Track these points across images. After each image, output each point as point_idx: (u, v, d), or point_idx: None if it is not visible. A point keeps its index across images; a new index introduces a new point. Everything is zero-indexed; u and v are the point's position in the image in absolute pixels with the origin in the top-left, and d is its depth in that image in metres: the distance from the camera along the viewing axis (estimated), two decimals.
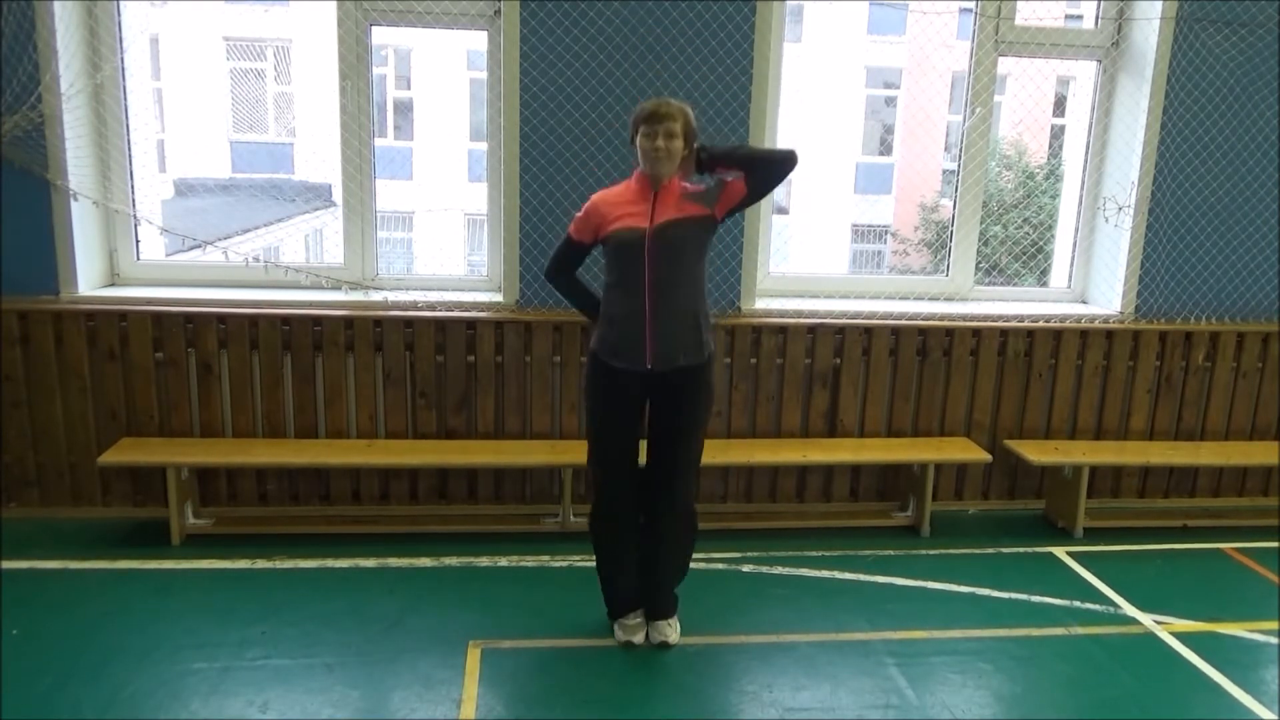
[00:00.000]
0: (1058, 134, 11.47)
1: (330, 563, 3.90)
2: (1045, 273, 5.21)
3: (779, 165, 3.19)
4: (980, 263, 4.80)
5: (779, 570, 3.98)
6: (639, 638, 3.36)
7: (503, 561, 3.96)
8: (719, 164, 3.15)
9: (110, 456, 3.98)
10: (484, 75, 4.37)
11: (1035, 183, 12.39)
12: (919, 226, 14.72)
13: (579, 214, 3.24)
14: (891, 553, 4.18)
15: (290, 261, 5.07)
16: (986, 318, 4.55)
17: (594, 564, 3.42)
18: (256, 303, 4.19)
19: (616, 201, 3.16)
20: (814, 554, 4.12)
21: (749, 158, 3.21)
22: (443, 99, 13.08)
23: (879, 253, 16.19)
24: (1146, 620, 3.66)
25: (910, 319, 4.47)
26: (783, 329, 4.40)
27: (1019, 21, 4.46)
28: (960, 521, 4.58)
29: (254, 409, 4.23)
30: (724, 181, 3.18)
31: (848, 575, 3.95)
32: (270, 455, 4.10)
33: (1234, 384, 4.74)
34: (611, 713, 2.99)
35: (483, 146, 4.55)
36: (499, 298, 4.36)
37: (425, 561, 3.94)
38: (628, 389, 3.20)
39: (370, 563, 3.91)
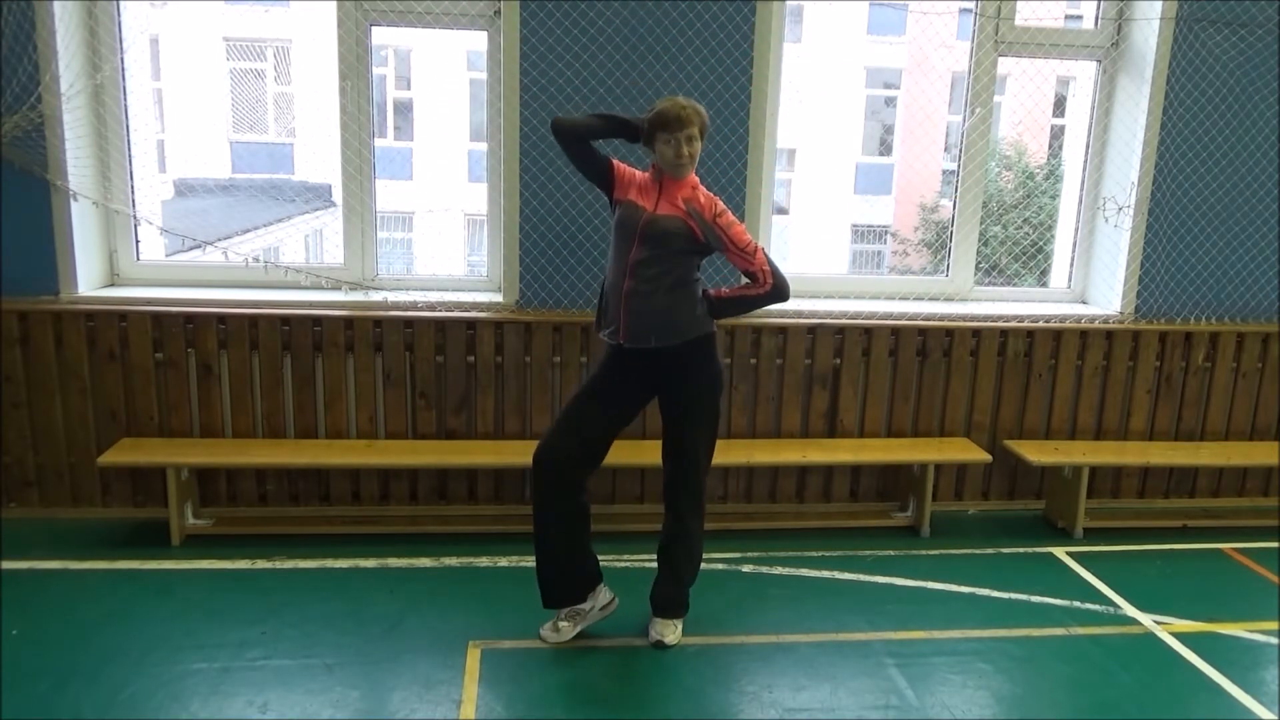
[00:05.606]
0: (1058, 134, 11.46)
1: (330, 563, 3.90)
2: (1045, 273, 5.20)
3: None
4: (980, 263, 4.80)
5: (779, 570, 3.98)
6: (557, 638, 3.34)
7: (503, 562, 3.96)
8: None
9: (110, 457, 3.98)
10: (484, 75, 4.37)
11: (1035, 183, 12.38)
12: (919, 227, 14.72)
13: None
14: (891, 553, 4.18)
15: (290, 262, 5.06)
16: (986, 318, 4.55)
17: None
18: (256, 303, 4.19)
19: (633, 181, 3.23)
20: (814, 554, 4.12)
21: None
22: (443, 99, 13.08)
23: (879, 253, 16.20)
24: (1146, 620, 3.66)
25: (910, 319, 4.47)
26: (782, 329, 4.40)
27: (1019, 22, 4.46)
28: (960, 522, 4.58)
29: (254, 409, 4.23)
30: (724, 234, 3.19)
31: (848, 575, 3.95)
32: (270, 456, 4.10)
33: (1234, 384, 4.74)
34: (611, 713, 2.99)
35: (483, 146, 4.55)
36: (499, 298, 4.35)
37: (425, 562, 3.94)
38: (621, 364, 3.26)
39: (370, 563, 3.91)
